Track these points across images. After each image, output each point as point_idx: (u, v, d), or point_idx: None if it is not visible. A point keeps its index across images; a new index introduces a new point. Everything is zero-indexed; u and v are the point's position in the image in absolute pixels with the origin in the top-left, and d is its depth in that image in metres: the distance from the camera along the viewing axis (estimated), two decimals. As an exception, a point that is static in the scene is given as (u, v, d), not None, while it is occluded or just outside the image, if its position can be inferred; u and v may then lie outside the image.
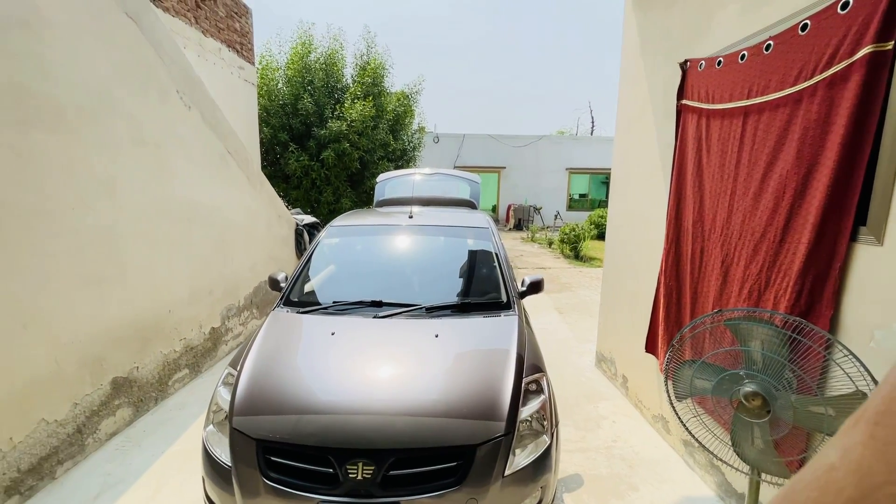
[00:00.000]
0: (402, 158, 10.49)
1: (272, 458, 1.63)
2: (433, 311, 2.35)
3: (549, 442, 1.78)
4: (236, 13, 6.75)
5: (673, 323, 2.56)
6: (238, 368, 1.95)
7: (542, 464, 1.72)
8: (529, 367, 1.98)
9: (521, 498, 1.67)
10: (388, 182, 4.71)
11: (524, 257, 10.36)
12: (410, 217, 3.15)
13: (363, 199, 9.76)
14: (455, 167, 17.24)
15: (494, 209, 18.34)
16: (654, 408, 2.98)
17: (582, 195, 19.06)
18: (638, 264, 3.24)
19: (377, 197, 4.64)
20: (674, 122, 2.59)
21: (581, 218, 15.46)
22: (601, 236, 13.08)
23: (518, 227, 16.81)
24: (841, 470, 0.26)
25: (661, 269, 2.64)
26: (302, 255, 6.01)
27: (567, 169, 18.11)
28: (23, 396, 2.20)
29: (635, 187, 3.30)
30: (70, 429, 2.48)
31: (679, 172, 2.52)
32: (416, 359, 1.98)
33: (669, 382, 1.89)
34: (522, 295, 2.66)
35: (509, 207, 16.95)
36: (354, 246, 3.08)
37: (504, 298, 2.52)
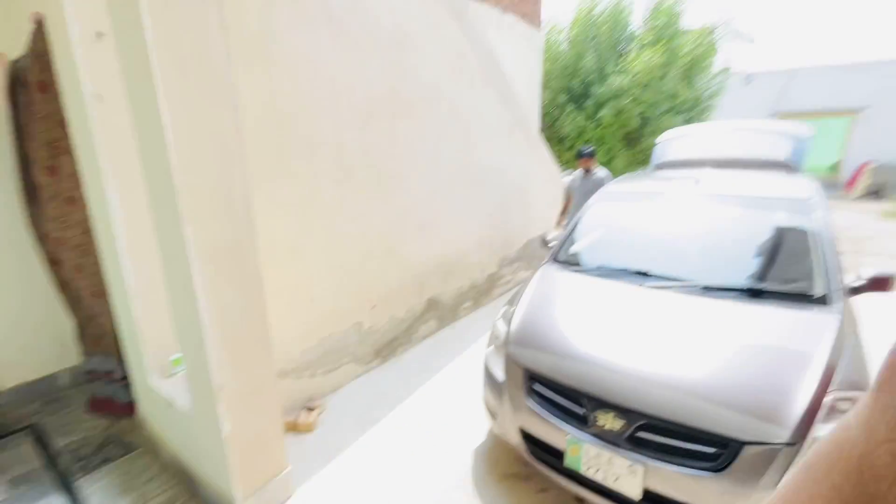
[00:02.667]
0: (694, 109, 8.96)
1: (535, 387, 1.98)
2: (711, 290, 2.12)
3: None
4: (531, -16, 7.17)
5: None
6: (514, 306, 2.38)
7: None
8: (845, 382, 1.56)
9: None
10: (672, 142, 4.19)
11: (878, 239, 7.28)
12: (697, 183, 2.80)
13: (639, 159, 9.01)
14: (776, 115, 13.28)
15: (834, 168, 13.29)
16: None
17: None
18: None
19: (657, 158, 4.22)
20: None
21: None
22: None
23: (877, 194, 11.73)
24: (855, 429, 0.31)
25: None
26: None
27: None
28: (386, 299, 3.38)
29: None
30: (405, 325, 3.66)
31: None
32: (684, 336, 1.88)
33: None
34: (854, 291, 2.02)
35: (861, 167, 11.91)
36: (627, 213, 3.02)
37: (818, 291, 1.98)
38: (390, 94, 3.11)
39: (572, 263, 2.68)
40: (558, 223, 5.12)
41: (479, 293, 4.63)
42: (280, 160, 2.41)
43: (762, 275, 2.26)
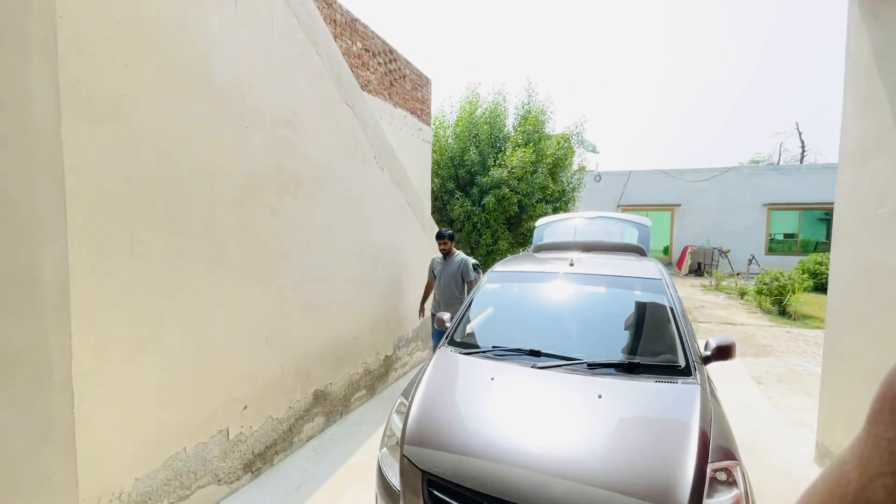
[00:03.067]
0: (560, 200, 10.41)
1: (435, 492, 1.75)
2: (595, 367, 2.22)
3: (745, 553, 1.44)
4: (419, 85, 7.98)
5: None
6: (409, 399, 2.18)
7: (736, 578, 1.40)
8: (717, 451, 1.67)
9: None
10: (548, 227, 4.72)
11: (706, 309, 8.86)
12: (571, 265, 3.08)
13: (520, 241, 9.95)
14: (619, 207, 16.15)
15: (666, 251, 16.36)
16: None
17: (789, 235, 15.52)
18: (881, 333, 2.45)
19: (535, 241, 4.68)
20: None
21: (786, 264, 12.54)
22: (819, 288, 10.28)
23: (697, 272, 14.55)
24: (849, 464, 0.30)
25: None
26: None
27: (765, 204, 15.11)
28: (261, 397, 2.88)
29: (876, 233, 2.56)
30: (285, 426, 3.12)
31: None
32: (577, 418, 1.88)
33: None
34: (706, 360, 2.29)
35: (685, 250, 14.87)
36: (514, 292, 3.15)
37: (682, 362, 2.21)
38: (276, 172, 2.95)
39: (467, 345, 2.63)
40: (421, 309, 4.69)
41: (374, 378, 4.28)
42: (126, 236, 2.01)
43: (635, 349, 2.47)
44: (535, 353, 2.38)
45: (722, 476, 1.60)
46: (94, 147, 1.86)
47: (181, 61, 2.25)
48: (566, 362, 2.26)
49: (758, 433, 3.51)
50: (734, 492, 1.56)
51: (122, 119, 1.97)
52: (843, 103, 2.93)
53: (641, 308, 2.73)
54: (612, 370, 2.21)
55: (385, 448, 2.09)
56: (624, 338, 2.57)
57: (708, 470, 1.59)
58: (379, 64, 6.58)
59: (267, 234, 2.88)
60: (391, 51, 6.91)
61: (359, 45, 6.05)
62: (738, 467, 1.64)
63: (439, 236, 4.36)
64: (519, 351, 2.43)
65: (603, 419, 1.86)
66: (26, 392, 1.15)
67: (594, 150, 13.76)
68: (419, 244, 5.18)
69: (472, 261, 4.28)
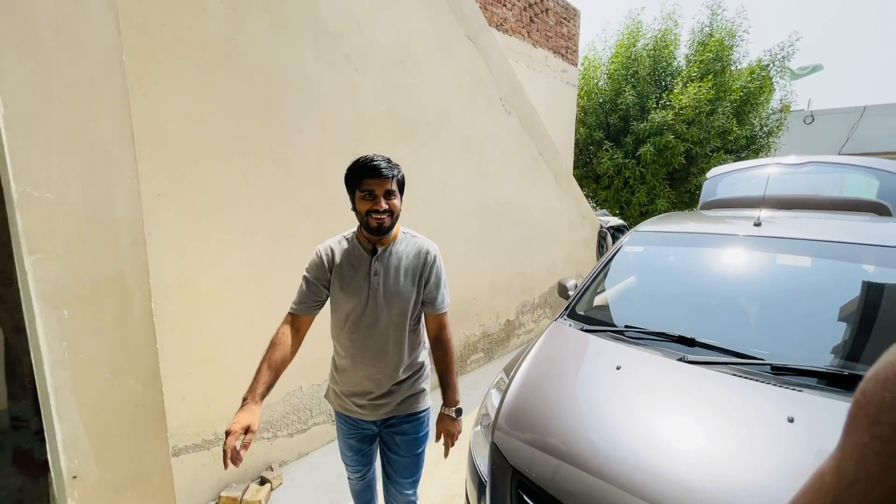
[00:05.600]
0: (748, 149, 8.19)
1: (525, 496, 1.40)
2: (784, 373, 1.49)
3: None
4: (565, 18, 6.95)
5: None
6: (511, 376, 1.84)
7: None
8: None
9: None
10: (725, 177, 3.57)
11: None
12: (757, 224, 2.20)
13: (685, 200, 8.26)
14: (841, 155, 12.07)
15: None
16: None
17: None
18: None
19: (705, 197, 3.59)
20: None
21: None
22: None
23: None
24: (828, 474, 0.32)
25: None
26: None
27: None
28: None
29: None
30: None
31: None
32: (746, 447, 1.26)
33: None
34: None
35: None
36: (666, 258, 2.43)
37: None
38: (388, 118, 2.78)
39: (593, 321, 2.10)
40: None
41: (493, 343, 4.05)
42: (239, 179, 2.08)
43: (856, 352, 1.60)
44: (687, 342, 1.74)
45: None
46: (204, 93, 1.92)
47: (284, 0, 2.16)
48: (736, 360, 1.58)
49: None
50: None
51: (231, 63, 1.99)
52: None
53: (875, 291, 1.77)
54: (814, 380, 1.45)
55: (479, 427, 1.82)
56: (839, 333, 1.70)
57: None
58: (517, -2, 5.86)
59: (378, 185, 2.78)
60: (532, -20, 6.09)
61: (494, -23, 5.45)
62: None
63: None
64: (663, 336, 1.81)
65: (792, 456, 1.21)
66: (109, 325, 1.20)
67: (816, 70, 10.12)
68: (553, 202, 4.59)
69: (615, 220, 3.55)
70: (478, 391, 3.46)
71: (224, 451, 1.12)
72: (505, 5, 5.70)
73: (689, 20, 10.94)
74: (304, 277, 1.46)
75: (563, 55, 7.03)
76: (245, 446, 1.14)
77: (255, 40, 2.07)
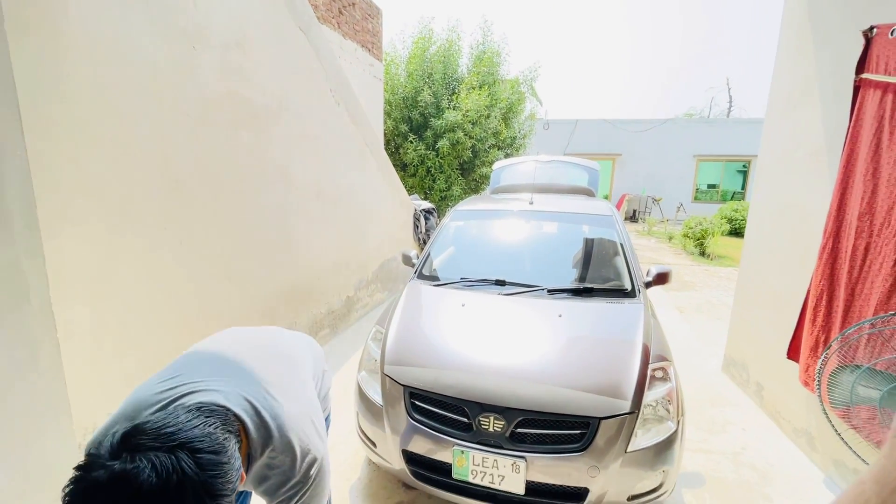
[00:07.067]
0: (511, 146, 10.53)
1: (417, 403, 1.93)
2: (555, 292, 2.45)
3: (674, 428, 1.78)
4: (370, 15, 7.43)
5: (820, 327, 2.28)
6: (385, 326, 2.30)
7: (665, 448, 1.73)
8: (656, 356, 1.98)
9: (640, 478, 1.72)
10: (505, 169, 4.83)
11: (639, 251, 9.68)
12: (531, 203, 3.25)
13: (472, 186, 10.05)
14: (565, 155, 16.62)
15: (606, 199, 17.31)
16: (796, 421, 2.69)
17: (711, 185, 16.97)
18: (786, 261, 2.90)
19: (493, 184, 4.80)
20: (845, 101, 2.26)
21: (708, 211, 13.82)
22: (734, 233, 11.56)
23: (633, 218, 15.67)
24: (868, 482, 0.30)
25: (816, 267, 2.36)
26: (418, 237, 6.51)
27: (695, 156, 16.28)
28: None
29: (791, 174, 2.94)
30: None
31: (849, 158, 2.20)
32: (542, 333, 2.11)
33: (820, 388, 1.74)
34: (648, 285, 2.61)
35: (623, 198, 15.85)
36: (479, 229, 3.29)
37: (628, 286, 2.50)
38: (229, 100, 2.74)
39: (436, 278, 2.76)
40: None
41: (337, 319, 4.36)
42: (78, 166, 1.84)
43: (589, 276, 2.74)
44: (501, 283, 2.57)
45: (659, 374, 1.91)
46: (32, 69, 1.63)
47: (113, -39, 1.95)
48: (529, 289, 2.48)
49: (679, 352, 4.09)
50: (668, 385, 1.88)
51: (54, 35, 1.73)
52: (776, 56, 3.20)
53: (595, 241, 2.98)
54: (569, 294, 2.45)
55: (364, 371, 2.23)
56: (579, 267, 2.83)
57: (648, 370, 1.89)
58: (326, -13, 6.00)
59: (224, 169, 2.73)
60: (339, -27, 6.31)
61: (303, -38, 5.45)
62: (670, 367, 1.97)
63: None
64: (485, 281, 2.61)
65: (563, 334, 2.11)
66: (5, 317, 1.10)
67: (540, 103, 13.86)
68: (378, 187, 5.11)
69: (426, 204, 4.33)
70: (330, 363, 3.75)
71: None
72: (315, -8, 5.76)
73: (468, 36, 13.03)
74: None
75: (369, 50, 7.51)
76: None
77: (76, 3, 1.83)
